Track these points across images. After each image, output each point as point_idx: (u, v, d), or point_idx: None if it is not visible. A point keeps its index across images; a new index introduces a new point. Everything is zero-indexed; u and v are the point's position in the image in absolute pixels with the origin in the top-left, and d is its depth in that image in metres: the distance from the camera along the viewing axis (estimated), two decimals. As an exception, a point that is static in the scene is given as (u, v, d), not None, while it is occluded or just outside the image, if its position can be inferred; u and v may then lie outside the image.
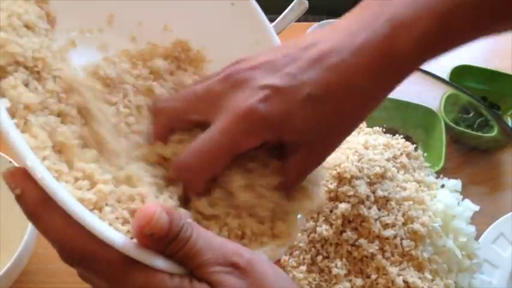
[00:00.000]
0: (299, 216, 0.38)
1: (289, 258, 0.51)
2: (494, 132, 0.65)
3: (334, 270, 0.48)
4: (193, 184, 0.35)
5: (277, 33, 0.75)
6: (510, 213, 0.57)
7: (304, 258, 0.50)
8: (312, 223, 0.51)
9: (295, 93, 0.33)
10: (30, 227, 0.50)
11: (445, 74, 0.76)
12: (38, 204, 0.27)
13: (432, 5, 0.33)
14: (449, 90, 0.66)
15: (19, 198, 0.28)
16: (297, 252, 0.51)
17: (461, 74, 0.78)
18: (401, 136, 0.62)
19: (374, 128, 0.63)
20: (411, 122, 0.68)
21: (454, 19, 0.33)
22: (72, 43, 0.39)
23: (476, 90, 0.77)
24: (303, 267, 0.49)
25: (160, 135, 0.37)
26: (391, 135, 0.62)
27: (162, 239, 0.27)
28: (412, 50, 0.33)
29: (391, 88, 0.36)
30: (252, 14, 0.45)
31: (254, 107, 0.33)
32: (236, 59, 0.38)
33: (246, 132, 0.34)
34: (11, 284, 0.51)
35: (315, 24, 0.81)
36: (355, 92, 0.34)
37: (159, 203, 0.29)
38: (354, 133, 0.61)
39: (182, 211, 0.34)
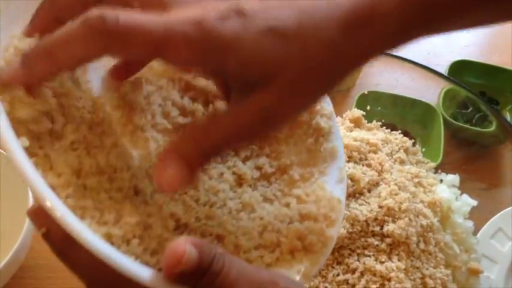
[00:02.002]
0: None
1: None
2: (492, 127, 0.65)
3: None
4: None
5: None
6: (508, 209, 0.57)
7: None
8: None
9: (258, 23, 0.28)
10: (27, 222, 0.50)
11: (443, 69, 0.76)
12: (64, 242, 0.27)
13: None
14: (448, 85, 0.66)
15: (45, 237, 0.28)
16: None
17: (460, 69, 0.78)
18: (399, 131, 0.62)
19: (372, 122, 0.63)
20: (409, 117, 0.68)
21: None
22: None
23: (475, 85, 0.77)
24: None
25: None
26: (389, 131, 0.62)
27: (193, 275, 0.26)
28: (396, 15, 0.29)
29: (363, 53, 0.31)
30: None
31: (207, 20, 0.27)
32: None
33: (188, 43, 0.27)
34: (9, 279, 0.52)
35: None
36: (323, 41, 0.29)
37: (188, 238, 0.27)
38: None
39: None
